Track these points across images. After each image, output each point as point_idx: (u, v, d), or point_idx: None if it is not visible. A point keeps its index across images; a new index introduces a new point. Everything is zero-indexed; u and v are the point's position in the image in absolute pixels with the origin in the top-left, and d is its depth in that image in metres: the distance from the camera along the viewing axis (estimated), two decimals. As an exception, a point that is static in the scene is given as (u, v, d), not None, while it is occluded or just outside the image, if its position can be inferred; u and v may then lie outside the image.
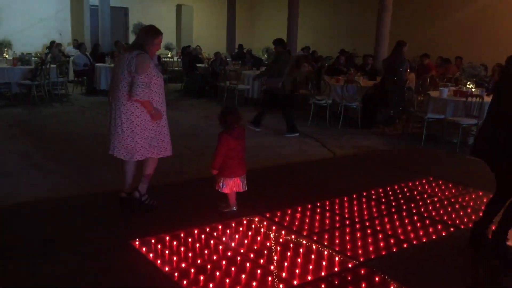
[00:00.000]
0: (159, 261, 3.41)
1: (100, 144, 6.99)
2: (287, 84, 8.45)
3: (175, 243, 3.68)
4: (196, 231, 3.91)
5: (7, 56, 13.30)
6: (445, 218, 4.49)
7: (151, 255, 3.49)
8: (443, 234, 4.13)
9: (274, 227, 4.09)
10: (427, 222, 4.36)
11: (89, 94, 12.66)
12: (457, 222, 4.40)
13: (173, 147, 4.50)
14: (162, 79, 4.32)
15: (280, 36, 9.21)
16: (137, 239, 3.70)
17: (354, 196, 4.99)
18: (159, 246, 3.63)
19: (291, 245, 3.76)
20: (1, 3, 16.13)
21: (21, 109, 10.09)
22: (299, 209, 4.54)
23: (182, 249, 3.59)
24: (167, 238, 3.76)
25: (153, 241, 3.71)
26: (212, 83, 13.14)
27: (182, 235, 3.84)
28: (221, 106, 4.49)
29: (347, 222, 4.30)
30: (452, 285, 3.35)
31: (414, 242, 3.93)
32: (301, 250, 3.67)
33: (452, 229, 4.24)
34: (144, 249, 3.58)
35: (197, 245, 3.69)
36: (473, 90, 8.26)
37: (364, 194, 5.07)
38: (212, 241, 3.76)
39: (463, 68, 8.90)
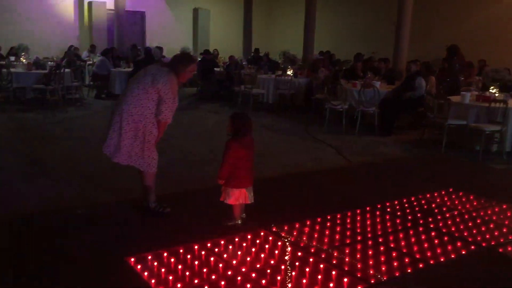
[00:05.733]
0: (153, 281, 3.19)
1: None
2: None
3: (172, 260, 3.46)
4: (196, 247, 3.68)
5: (23, 60, 13.35)
6: (465, 234, 4.17)
7: (146, 273, 3.28)
8: (463, 252, 3.82)
9: (279, 243, 3.84)
10: (445, 238, 4.05)
11: (104, 98, 12.60)
12: (479, 239, 4.07)
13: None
14: (176, 104, 4.30)
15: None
16: (132, 256, 3.49)
17: (368, 208, 4.69)
18: (156, 264, 3.41)
19: (297, 263, 3.50)
20: (20, 8, 16.27)
21: (35, 113, 10.04)
22: (308, 223, 4.27)
23: (180, 267, 3.37)
24: (165, 254, 3.55)
25: (149, 257, 3.49)
26: (227, 87, 12.96)
27: (181, 251, 3.61)
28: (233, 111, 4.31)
29: (359, 238, 4.02)
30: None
31: (431, 262, 3.63)
32: (307, 269, 3.41)
33: (472, 247, 3.92)
34: (139, 266, 3.37)
35: (196, 262, 3.46)
36: (496, 95, 7.88)
37: (379, 206, 4.77)
38: (212, 258, 3.52)
39: (485, 72, 8.52)
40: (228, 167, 4.04)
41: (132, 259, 3.45)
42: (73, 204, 4.68)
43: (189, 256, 3.54)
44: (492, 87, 8.13)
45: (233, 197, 4.10)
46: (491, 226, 4.37)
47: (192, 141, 7.68)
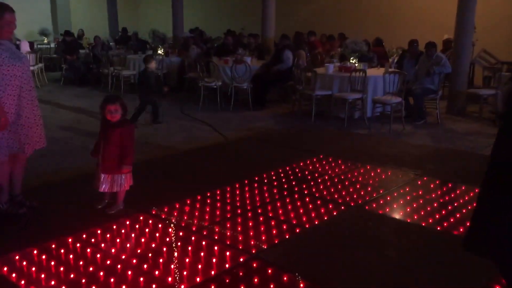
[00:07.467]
0: (23, 282, 2.93)
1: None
2: None
3: (44, 257, 3.22)
4: (70, 240, 3.46)
5: None
6: (335, 196, 4.46)
7: (14, 275, 3.01)
8: (334, 213, 4.08)
9: (160, 225, 3.76)
10: (318, 202, 4.30)
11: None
12: (347, 199, 4.39)
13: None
14: (19, 66, 3.74)
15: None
16: (-4, 258, 3.18)
17: (246, 181, 4.79)
18: (25, 263, 3.14)
19: (179, 243, 3.47)
20: None
21: None
22: (188, 202, 4.24)
23: (53, 263, 3.14)
24: (35, 252, 3.28)
25: (17, 257, 3.21)
26: (94, 70, 12.27)
27: (53, 246, 3.37)
28: (107, 94, 4.11)
29: (239, 211, 4.10)
30: (342, 269, 3.28)
31: (307, 226, 3.83)
32: (189, 248, 3.39)
33: (342, 207, 4.21)
34: (5, 269, 3.07)
35: (71, 256, 3.25)
36: (356, 65, 8.46)
37: (256, 178, 4.90)
38: (89, 250, 3.34)
39: (345, 43, 9.09)
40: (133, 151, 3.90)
41: (-4, 262, 3.15)
42: None
43: (62, 251, 3.32)
44: (352, 58, 8.70)
45: (128, 182, 3.97)
46: (358, 186, 4.73)
47: (61, 130, 7.17)
